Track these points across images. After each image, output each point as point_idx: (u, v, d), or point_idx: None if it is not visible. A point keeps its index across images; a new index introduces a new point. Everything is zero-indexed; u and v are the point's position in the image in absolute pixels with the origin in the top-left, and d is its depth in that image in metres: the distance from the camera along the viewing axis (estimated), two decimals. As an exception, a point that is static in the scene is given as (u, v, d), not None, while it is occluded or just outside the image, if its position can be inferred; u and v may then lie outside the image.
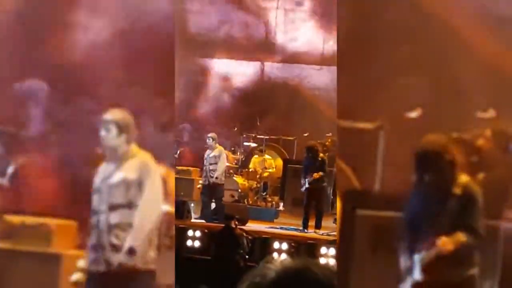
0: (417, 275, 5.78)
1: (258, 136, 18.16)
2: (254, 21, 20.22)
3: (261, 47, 20.15)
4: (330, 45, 18.89)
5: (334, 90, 18.80)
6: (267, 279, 1.85)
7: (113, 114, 6.41)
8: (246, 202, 16.22)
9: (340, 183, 8.20)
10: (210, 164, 14.72)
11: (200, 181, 15.27)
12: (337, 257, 9.45)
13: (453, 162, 5.77)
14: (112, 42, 7.73)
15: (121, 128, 6.31)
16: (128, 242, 6.17)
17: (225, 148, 17.46)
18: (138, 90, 7.47)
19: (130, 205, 6.24)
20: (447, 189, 5.78)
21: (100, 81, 7.68)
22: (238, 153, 17.84)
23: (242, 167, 17.56)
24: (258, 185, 16.98)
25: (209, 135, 15.19)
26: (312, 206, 14.17)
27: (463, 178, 5.80)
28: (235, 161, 17.43)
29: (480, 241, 5.73)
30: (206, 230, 13.12)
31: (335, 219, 14.49)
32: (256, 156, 17.37)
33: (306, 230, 13.88)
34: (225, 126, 18.74)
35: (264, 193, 17.15)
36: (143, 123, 6.89)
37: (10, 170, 7.74)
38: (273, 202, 16.97)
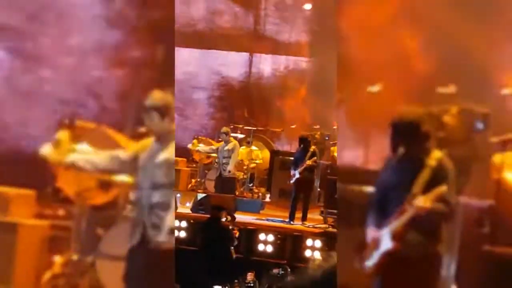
0: (387, 244, 5.77)
1: (246, 127, 18.15)
2: (242, 12, 20.19)
3: (250, 37, 20.11)
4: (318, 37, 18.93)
5: (322, 82, 18.99)
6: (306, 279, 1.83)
7: (152, 99, 6.45)
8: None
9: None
10: (224, 157, 14.89)
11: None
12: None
13: (429, 134, 5.79)
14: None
15: (163, 112, 6.37)
16: (169, 222, 6.25)
17: (212, 139, 17.47)
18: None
19: (171, 186, 6.35)
20: (422, 160, 5.79)
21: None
22: (225, 144, 17.75)
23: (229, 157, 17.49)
24: (245, 176, 16.95)
25: (222, 130, 15.34)
26: (300, 198, 14.18)
27: (436, 152, 5.82)
28: (222, 152, 17.36)
29: (450, 213, 5.72)
30: (192, 221, 13.12)
31: (322, 211, 14.55)
32: (243, 147, 17.33)
33: (292, 222, 13.88)
34: (212, 117, 18.77)
35: (251, 185, 17.12)
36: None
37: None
38: (260, 194, 16.94)
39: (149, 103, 6.44)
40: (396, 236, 5.74)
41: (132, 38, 8.00)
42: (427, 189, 5.68)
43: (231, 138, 15.21)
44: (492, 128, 6.86)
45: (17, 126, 7.87)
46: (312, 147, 14.16)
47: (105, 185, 8.03)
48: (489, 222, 6.06)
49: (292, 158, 15.32)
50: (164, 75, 7.97)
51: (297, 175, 14.00)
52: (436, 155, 5.78)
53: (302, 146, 14.25)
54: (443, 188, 5.62)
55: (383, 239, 5.79)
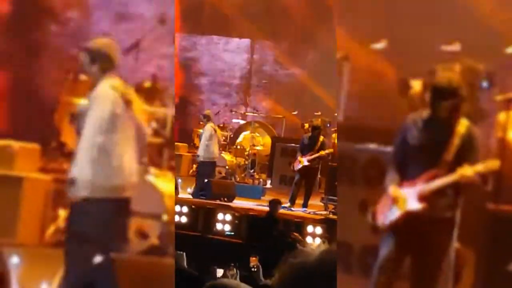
0: (413, 204, 5.83)
1: (247, 113, 18.15)
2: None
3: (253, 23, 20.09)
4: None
5: (322, 69, 18.98)
6: (308, 264, 1.85)
7: (91, 42, 6.30)
8: (233, 179, 16.23)
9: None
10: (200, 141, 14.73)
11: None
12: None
13: (461, 100, 5.85)
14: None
15: (94, 57, 6.19)
16: (71, 172, 6.06)
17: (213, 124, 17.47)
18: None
19: (80, 134, 6.15)
20: (451, 125, 5.85)
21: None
22: (227, 130, 17.80)
23: (230, 144, 17.55)
24: (246, 162, 16.98)
25: (204, 112, 15.11)
26: (302, 185, 14.20)
27: (464, 119, 5.89)
28: (224, 137, 17.40)
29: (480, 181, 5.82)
30: (193, 206, 13.15)
31: (323, 198, 14.58)
32: (246, 132, 17.36)
33: (292, 208, 13.93)
34: (214, 103, 18.76)
35: (252, 171, 17.16)
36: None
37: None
38: (261, 180, 16.98)
39: (87, 45, 6.29)
40: (423, 198, 5.81)
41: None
42: (456, 156, 5.76)
43: (210, 123, 14.87)
44: (497, 87, 6.85)
45: (25, 80, 7.85)
46: (321, 137, 14.21)
47: None
48: (493, 180, 6.09)
49: (293, 145, 15.39)
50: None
51: (306, 163, 14.01)
52: (464, 122, 5.86)
53: (311, 133, 14.25)
54: (492, 162, 5.70)
55: (409, 199, 5.85)
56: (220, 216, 13.07)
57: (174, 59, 8.17)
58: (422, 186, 5.82)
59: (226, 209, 13.30)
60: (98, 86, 6.19)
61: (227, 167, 16.23)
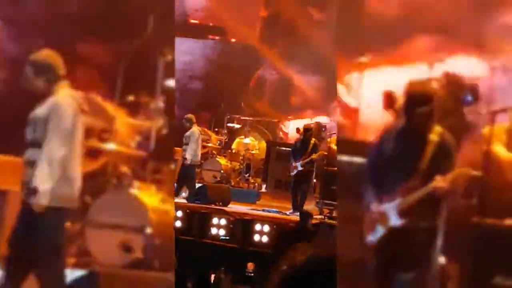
0: (395, 220, 5.83)
1: (242, 118, 18.13)
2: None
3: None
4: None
5: (315, 72, 18.99)
6: (297, 267, 1.82)
7: (34, 55, 6.36)
8: (228, 183, 16.18)
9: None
10: (184, 145, 14.63)
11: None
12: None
13: (434, 108, 5.85)
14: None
15: (39, 69, 6.28)
16: (33, 182, 6.13)
17: (208, 129, 17.46)
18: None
19: (35, 144, 6.21)
20: (424, 134, 5.84)
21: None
22: (222, 134, 17.77)
23: (225, 148, 17.51)
24: (241, 167, 16.94)
25: (186, 116, 15.04)
26: (298, 190, 14.19)
27: (437, 126, 5.89)
28: (218, 142, 17.37)
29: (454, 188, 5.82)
30: (188, 211, 13.10)
31: (317, 202, 14.55)
32: (240, 137, 17.33)
33: (296, 213, 13.91)
34: (209, 107, 18.71)
35: (247, 175, 17.12)
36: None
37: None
38: (256, 184, 16.94)
39: (29, 58, 6.36)
40: (404, 212, 5.81)
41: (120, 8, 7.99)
42: (431, 164, 5.76)
43: (194, 126, 14.76)
44: (481, 100, 6.87)
45: (6, 94, 7.85)
46: (313, 140, 14.18)
47: (94, 153, 8.06)
48: (478, 193, 6.11)
49: (288, 149, 15.35)
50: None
51: (300, 168, 13.99)
52: (438, 130, 5.86)
53: (302, 137, 14.23)
54: (463, 170, 5.70)
55: (390, 215, 5.85)
56: (215, 220, 13.02)
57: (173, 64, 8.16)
58: (401, 200, 5.82)
59: (221, 213, 13.26)
60: (57, 96, 6.27)
61: (222, 171, 16.19)
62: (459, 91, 6.98)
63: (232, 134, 18.05)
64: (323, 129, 15.69)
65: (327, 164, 14.62)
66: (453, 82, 6.98)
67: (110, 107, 8.25)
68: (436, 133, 5.87)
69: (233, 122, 18.11)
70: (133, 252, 7.53)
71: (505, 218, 6.20)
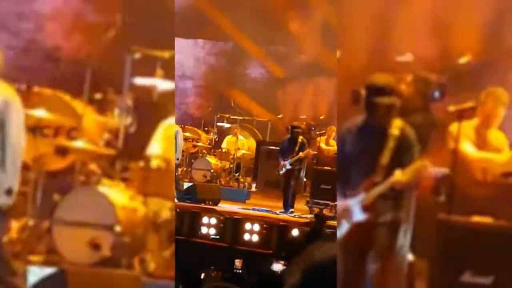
0: (358, 215, 5.89)
1: (232, 117, 18.13)
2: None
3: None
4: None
5: (306, 73, 19.01)
6: (315, 266, 1.84)
7: None
8: (218, 183, 16.18)
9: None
10: None
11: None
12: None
13: (394, 103, 5.89)
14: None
15: None
16: (6, 183, 6.08)
17: (198, 128, 17.45)
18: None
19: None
20: (384, 129, 5.89)
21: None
22: (212, 133, 17.76)
23: (215, 147, 17.50)
24: (231, 166, 16.94)
25: None
26: (289, 188, 14.20)
27: (398, 120, 5.93)
28: (208, 141, 17.36)
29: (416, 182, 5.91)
30: (178, 210, 13.10)
31: (307, 201, 14.58)
32: (229, 136, 17.33)
33: (288, 212, 13.92)
34: (199, 106, 18.72)
35: (237, 174, 17.13)
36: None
37: None
38: (246, 183, 16.94)
39: None
40: (366, 207, 5.86)
41: (90, 5, 8.00)
42: (392, 158, 5.81)
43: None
44: (449, 97, 6.90)
45: None
46: (300, 137, 14.18)
47: (62, 151, 8.06)
48: (445, 190, 6.15)
49: (278, 148, 15.35)
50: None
51: (288, 166, 14.00)
52: (398, 124, 5.89)
53: (290, 136, 14.25)
54: (420, 163, 5.76)
55: (354, 210, 5.91)
56: (205, 219, 13.04)
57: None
58: (364, 195, 5.87)
59: (211, 212, 13.27)
60: (1, 91, 6.16)
61: (212, 170, 16.18)
62: (426, 88, 7.01)
63: (222, 133, 18.05)
64: (312, 128, 15.72)
65: (317, 163, 14.65)
66: (420, 79, 7.02)
67: (78, 105, 8.25)
68: (396, 127, 5.91)
69: (223, 122, 18.11)
70: (101, 250, 7.54)
71: (473, 215, 6.23)
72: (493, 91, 6.75)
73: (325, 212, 14.43)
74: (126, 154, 8.04)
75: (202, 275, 11.49)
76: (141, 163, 7.97)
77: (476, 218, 6.28)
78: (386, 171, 5.88)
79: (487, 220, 6.30)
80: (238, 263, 11.91)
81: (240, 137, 17.63)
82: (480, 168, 6.63)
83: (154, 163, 8.00)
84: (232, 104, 18.61)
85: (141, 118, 8.15)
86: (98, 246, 7.54)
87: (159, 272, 7.48)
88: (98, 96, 8.05)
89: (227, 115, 18.24)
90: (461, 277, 6.17)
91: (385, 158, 5.87)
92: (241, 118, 18.23)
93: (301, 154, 13.86)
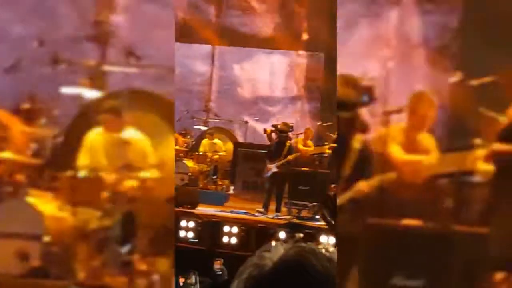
0: None
1: (209, 120, 18.12)
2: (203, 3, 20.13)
3: (212, 29, 20.03)
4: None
5: (285, 74, 18.99)
6: (264, 270, 1.77)
7: None
8: (196, 186, 16.13)
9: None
10: None
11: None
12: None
13: (356, 115, 5.93)
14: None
15: None
16: None
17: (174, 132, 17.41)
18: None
19: None
20: (350, 142, 5.91)
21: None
22: (188, 137, 17.71)
23: (192, 150, 17.44)
24: (209, 169, 16.88)
25: None
26: (273, 191, 14.19)
27: (359, 134, 5.96)
28: (185, 144, 17.32)
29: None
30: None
31: (286, 202, 14.53)
32: (206, 139, 17.29)
33: (267, 213, 13.92)
34: (175, 109, 18.57)
35: (215, 177, 17.06)
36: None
37: None
38: (224, 186, 16.88)
39: None
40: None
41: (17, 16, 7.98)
42: (353, 170, 5.83)
43: None
44: (377, 101, 6.84)
45: None
46: (288, 142, 14.23)
47: None
48: (375, 194, 6.14)
49: (255, 150, 15.39)
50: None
51: (275, 169, 13.99)
52: (360, 138, 5.91)
53: (278, 139, 14.27)
54: (384, 177, 5.80)
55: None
56: (183, 223, 13.05)
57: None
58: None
59: (190, 216, 13.28)
60: None
61: (189, 173, 16.14)
62: (354, 91, 6.96)
63: (199, 136, 18.00)
64: (290, 129, 15.66)
65: (295, 165, 14.60)
66: (348, 82, 6.96)
67: (5, 115, 8.24)
68: (357, 141, 5.93)
69: (199, 125, 18.09)
70: (30, 260, 7.53)
71: (402, 218, 6.19)
72: (422, 93, 6.69)
73: (303, 213, 14.42)
74: (54, 164, 8.03)
75: (181, 281, 11.49)
76: (69, 173, 7.95)
77: (406, 221, 6.27)
78: (348, 183, 5.91)
79: (416, 222, 6.28)
80: (217, 264, 11.90)
81: (217, 139, 17.52)
82: (409, 170, 6.59)
83: (82, 173, 7.97)
84: (209, 107, 18.61)
85: (68, 128, 8.13)
86: (27, 256, 7.53)
87: (89, 282, 7.44)
88: (25, 106, 8.04)
89: (203, 118, 18.29)
90: (392, 281, 6.16)
91: (347, 169, 5.91)
92: (218, 120, 18.26)
93: (289, 157, 13.91)
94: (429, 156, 6.70)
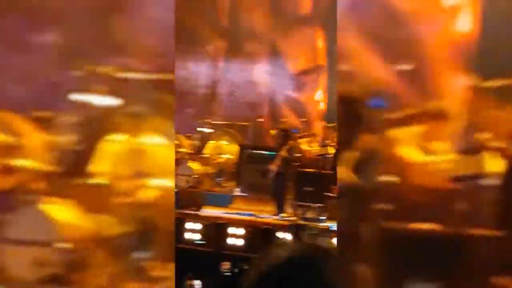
0: None
1: (213, 122, 18.15)
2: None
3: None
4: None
5: (285, 76, 19.01)
6: (275, 267, 1.79)
7: None
8: (201, 188, 16.16)
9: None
10: None
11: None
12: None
13: (362, 116, 5.96)
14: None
15: None
16: None
17: (178, 133, 17.44)
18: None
19: None
20: (351, 142, 5.96)
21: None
22: (193, 139, 17.75)
23: (197, 153, 17.49)
24: (214, 171, 16.91)
25: None
26: (276, 191, 14.23)
27: (364, 134, 5.97)
28: (191, 146, 17.35)
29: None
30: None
31: (291, 203, 14.55)
32: (211, 141, 17.33)
33: (261, 215, 13.94)
34: (179, 111, 18.64)
35: (220, 179, 17.10)
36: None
37: None
38: (229, 188, 16.92)
39: None
40: None
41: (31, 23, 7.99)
42: (357, 169, 5.85)
43: None
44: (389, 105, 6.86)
45: None
46: (290, 142, 14.26)
47: (8, 170, 8.09)
48: (389, 197, 6.15)
49: (261, 152, 15.43)
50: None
51: (274, 169, 14.03)
52: (364, 138, 5.92)
53: (284, 139, 14.35)
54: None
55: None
56: (188, 225, 13.07)
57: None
58: None
59: (195, 218, 13.31)
60: None
61: (195, 176, 16.16)
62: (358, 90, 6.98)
63: (204, 138, 18.04)
64: (293, 129, 15.65)
65: (300, 166, 14.64)
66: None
67: (20, 122, 8.26)
68: (362, 140, 5.94)
69: (204, 127, 18.14)
70: (46, 267, 7.58)
71: (417, 221, 6.21)
72: (438, 97, 6.71)
73: (308, 214, 14.45)
74: (70, 171, 8.04)
75: (188, 283, 11.53)
76: (84, 180, 7.97)
77: (421, 225, 6.28)
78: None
79: (431, 226, 6.29)
80: (225, 265, 11.95)
81: (222, 142, 17.55)
82: (424, 173, 6.60)
83: (99, 180, 8.00)
84: (213, 109, 18.64)
85: (85, 135, 8.14)
86: (43, 263, 7.58)
87: (105, 288, 7.49)
88: (41, 113, 8.06)
89: (208, 120, 18.31)
90: (406, 285, 6.18)
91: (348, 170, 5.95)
92: (222, 122, 18.28)
93: (282, 153, 13.90)
94: (444, 159, 6.73)
